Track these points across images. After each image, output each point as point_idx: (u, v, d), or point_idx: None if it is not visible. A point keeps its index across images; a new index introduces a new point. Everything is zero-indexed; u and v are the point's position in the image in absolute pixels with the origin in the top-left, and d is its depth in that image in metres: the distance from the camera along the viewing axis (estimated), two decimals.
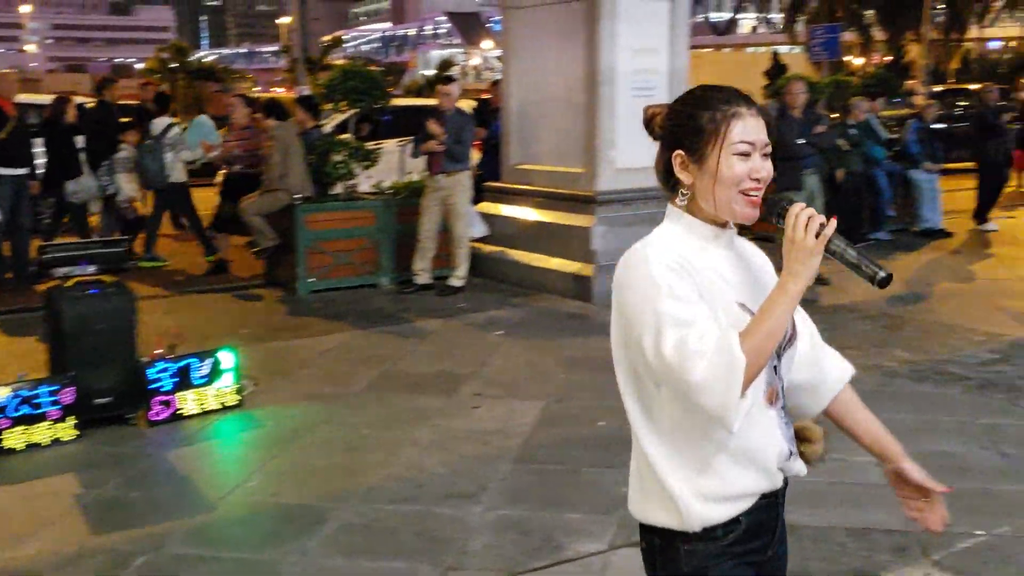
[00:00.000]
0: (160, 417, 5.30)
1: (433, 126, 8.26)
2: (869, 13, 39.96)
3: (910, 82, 27.41)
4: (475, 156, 11.31)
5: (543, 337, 7.07)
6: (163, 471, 4.77)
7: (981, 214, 12.03)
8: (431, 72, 41.37)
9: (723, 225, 1.85)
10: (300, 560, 3.76)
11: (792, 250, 1.71)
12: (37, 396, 4.96)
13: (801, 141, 8.56)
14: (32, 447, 4.92)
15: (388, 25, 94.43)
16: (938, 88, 25.70)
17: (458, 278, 8.50)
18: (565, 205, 8.58)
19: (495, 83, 11.62)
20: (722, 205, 1.79)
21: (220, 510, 4.28)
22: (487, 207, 9.33)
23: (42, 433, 4.97)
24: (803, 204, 1.74)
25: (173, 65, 33.11)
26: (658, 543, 1.84)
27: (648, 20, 8.47)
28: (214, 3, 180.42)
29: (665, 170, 1.87)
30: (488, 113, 11.23)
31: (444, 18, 75.70)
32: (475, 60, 64.83)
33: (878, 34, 40.57)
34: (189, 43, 49.84)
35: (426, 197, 8.48)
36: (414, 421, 5.32)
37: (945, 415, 5.28)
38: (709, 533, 1.79)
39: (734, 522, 1.80)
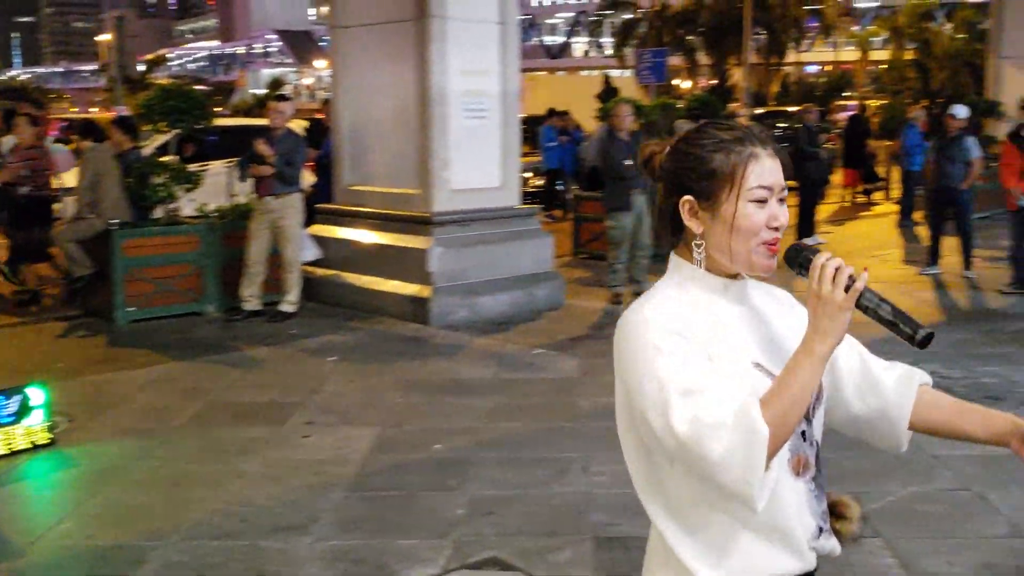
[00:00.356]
0: None
1: (262, 147, 8.04)
2: (694, 39, 41.81)
3: (733, 105, 28.77)
4: (309, 177, 11.11)
5: (379, 361, 6.96)
6: None
7: (803, 230, 12.68)
8: (262, 91, 40.51)
9: (734, 275, 1.66)
10: None
11: (819, 306, 1.52)
12: None
13: (629, 163, 8.78)
14: None
15: (216, 43, 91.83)
16: (759, 111, 27.09)
17: (289, 303, 8.28)
18: (401, 227, 8.51)
19: (327, 102, 11.46)
20: (738, 257, 1.61)
21: (30, 556, 3.98)
22: (320, 229, 9.16)
23: None
24: (829, 254, 1.55)
25: None
26: None
27: (479, 42, 8.54)
28: (27, 19, 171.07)
29: (671, 217, 1.66)
30: (321, 133, 11.06)
31: (275, 36, 74.24)
32: (308, 79, 63.88)
33: (703, 59, 42.47)
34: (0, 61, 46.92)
35: (255, 220, 8.23)
36: (241, 453, 5.11)
37: None
38: None
39: None
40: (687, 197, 1.62)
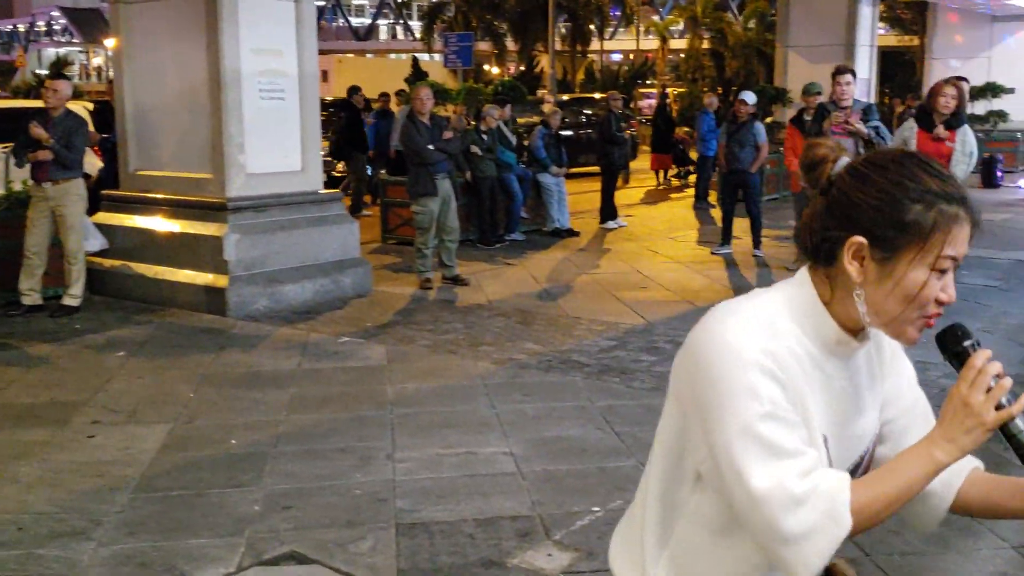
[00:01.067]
0: None
1: (36, 130, 7.49)
2: (501, 24, 42.26)
3: (541, 91, 29.25)
4: (97, 162, 10.47)
5: (171, 356, 6.64)
6: None
7: (605, 214, 13.03)
8: (45, 72, 37.98)
9: (855, 333, 1.44)
10: None
11: (960, 412, 1.33)
12: None
13: (431, 147, 8.76)
14: None
15: None
16: (565, 97, 27.65)
17: (73, 297, 7.76)
18: (193, 213, 8.15)
19: (111, 82, 10.83)
20: (889, 322, 1.40)
21: None
22: (105, 217, 8.64)
23: None
24: (989, 353, 1.35)
25: None
26: None
27: (272, 20, 8.24)
28: None
29: (821, 238, 1.42)
30: (111, 115, 10.43)
31: (59, 13, 69.62)
32: (97, 59, 60.35)
33: (511, 44, 42.99)
34: None
35: (33, 208, 7.67)
36: (18, 457, 4.75)
37: (568, 401, 5.59)
38: None
39: None
40: (859, 239, 1.38)
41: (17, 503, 4.22)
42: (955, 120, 7.78)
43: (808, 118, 9.18)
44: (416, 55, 39.97)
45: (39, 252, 7.66)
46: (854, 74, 8.56)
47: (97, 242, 8.15)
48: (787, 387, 1.36)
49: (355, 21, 66.70)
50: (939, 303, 1.38)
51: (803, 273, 1.47)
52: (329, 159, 13.81)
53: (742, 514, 1.36)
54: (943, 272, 1.37)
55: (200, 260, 7.97)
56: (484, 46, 41.79)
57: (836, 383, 1.45)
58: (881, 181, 1.38)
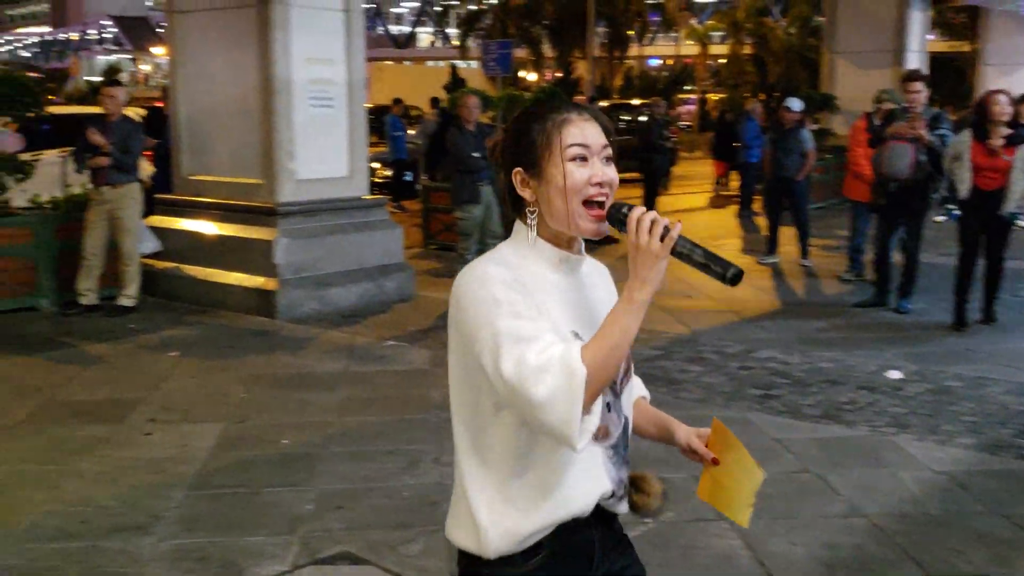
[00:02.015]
0: None
1: (95, 136, 7.71)
2: (539, 31, 42.33)
3: (578, 97, 29.28)
4: (149, 167, 10.70)
5: (222, 356, 6.80)
6: None
7: None
8: (97, 79, 38.68)
9: (570, 247, 1.76)
10: None
11: (638, 256, 1.62)
12: None
13: (477, 154, 8.83)
14: None
15: (47, 29, 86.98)
16: (604, 103, 27.63)
17: (128, 297, 7.97)
18: (244, 217, 8.32)
19: (166, 89, 11.06)
20: (565, 218, 1.71)
21: None
22: (159, 221, 8.85)
23: None
24: (643, 208, 1.65)
25: None
26: (464, 564, 1.77)
27: (322, 30, 8.42)
28: None
29: (509, 193, 1.76)
30: (160, 121, 10.68)
31: (110, 22, 70.80)
32: (145, 66, 61.29)
33: (548, 51, 43.03)
34: None
35: (91, 211, 7.89)
36: (79, 453, 4.91)
37: None
38: (506, 560, 1.72)
39: (535, 548, 1.72)
40: (517, 169, 1.74)
41: (80, 497, 4.38)
42: (1018, 136, 7.28)
43: (878, 122, 8.94)
44: (454, 62, 40.23)
45: (97, 254, 7.88)
46: (926, 80, 8.24)
47: (151, 244, 8.36)
48: (526, 295, 1.64)
49: (394, 29, 67.23)
50: (596, 184, 1.69)
51: (517, 222, 1.78)
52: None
53: (507, 402, 1.61)
54: (583, 160, 1.70)
55: (250, 263, 8.14)
56: (521, 53, 41.87)
57: (571, 294, 1.75)
58: (512, 126, 1.77)
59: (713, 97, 46.03)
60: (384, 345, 7.15)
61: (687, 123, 40.44)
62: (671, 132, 15.70)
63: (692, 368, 6.53)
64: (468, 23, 43.69)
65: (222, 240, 8.43)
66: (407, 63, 55.42)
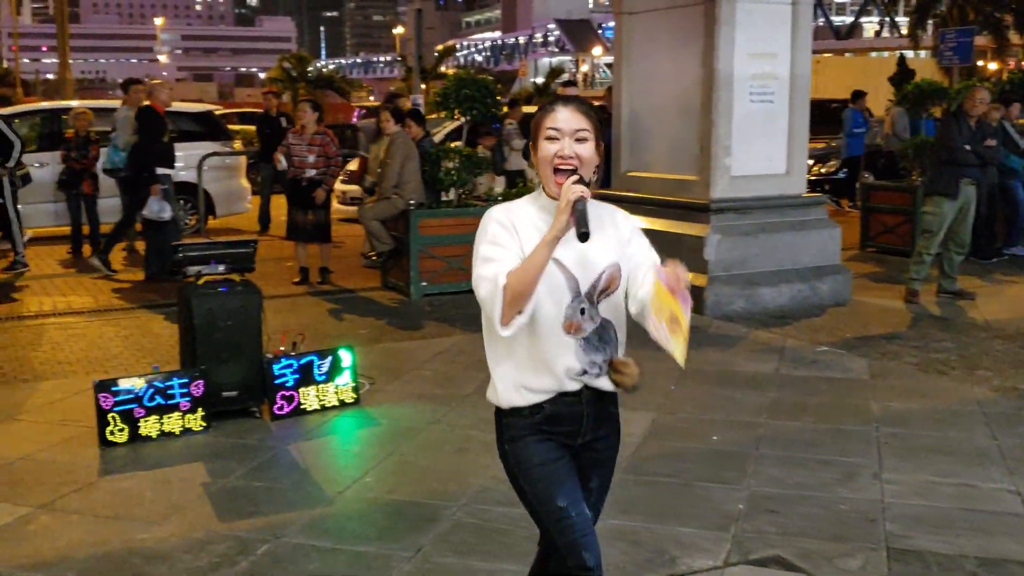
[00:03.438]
0: (283, 411, 5.45)
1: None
2: (1004, 16, 38.38)
3: None
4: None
5: (649, 347, 6.94)
6: (284, 464, 4.88)
7: None
8: (541, 80, 41.49)
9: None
10: (413, 556, 3.79)
11: (558, 212, 2.26)
12: (170, 388, 5.16)
13: (968, 148, 8.18)
14: (165, 435, 5.13)
15: (498, 34, 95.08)
16: None
17: None
18: (676, 213, 8.45)
19: (609, 89, 11.55)
20: (545, 182, 2.40)
21: (337, 504, 4.35)
22: None
23: (174, 423, 5.17)
24: (576, 178, 2.30)
25: (294, 74, 34.14)
26: (496, 415, 2.52)
27: (768, 24, 8.30)
28: (332, 14, 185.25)
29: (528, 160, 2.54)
30: (602, 121, 11.17)
31: (554, 25, 75.65)
32: (584, 67, 64.68)
33: (1014, 37, 38.94)
34: (310, 53, 51.11)
35: None
36: None
37: None
38: (517, 412, 2.44)
39: (537, 407, 2.42)
40: (531, 143, 2.45)
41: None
42: None
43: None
44: (902, 53, 37.71)
45: None
46: None
47: None
48: (513, 232, 2.34)
49: (836, 20, 64.61)
50: (560, 158, 2.36)
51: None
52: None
53: (479, 301, 2.33)
54: (554, 139, 2.37)
55: (679, 258, 8.19)
56: (979, 40, 38.24)
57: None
58: (534, 115, 2.50)
59: None
60: (817, 350, 6.90)
61: None
62: None
63: None
64: (922, 9, 40.74)
65: (655, 235, 8.52)
66: (848, 55, 53.06)
